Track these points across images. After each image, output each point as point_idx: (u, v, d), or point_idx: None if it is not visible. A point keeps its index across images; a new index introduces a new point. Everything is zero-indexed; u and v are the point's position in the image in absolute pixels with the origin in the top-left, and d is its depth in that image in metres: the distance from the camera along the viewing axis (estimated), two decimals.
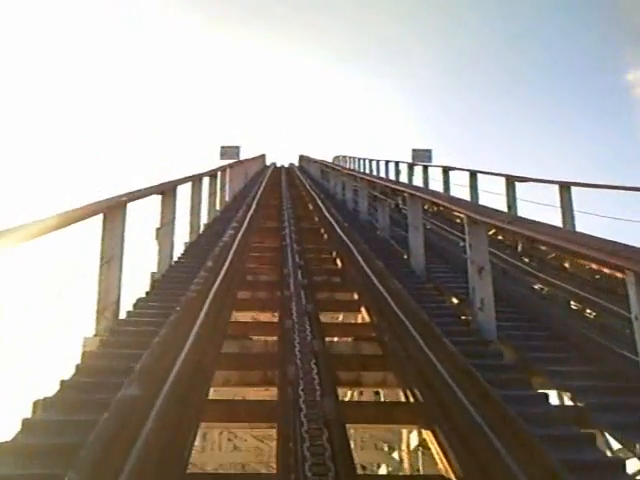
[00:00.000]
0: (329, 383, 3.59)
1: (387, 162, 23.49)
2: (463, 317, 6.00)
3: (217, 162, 20.96)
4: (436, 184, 17.89)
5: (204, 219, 11.56)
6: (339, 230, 10.05)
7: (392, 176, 22.05)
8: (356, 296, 6.62)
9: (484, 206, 6.12)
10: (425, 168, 19.74)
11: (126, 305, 5.80)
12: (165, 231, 7.71)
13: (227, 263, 6.93)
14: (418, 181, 19.39)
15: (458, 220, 14.23)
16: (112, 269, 5.23)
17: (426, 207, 11.79)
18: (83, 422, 3.06)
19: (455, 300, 6.66)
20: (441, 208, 12.74)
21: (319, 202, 14.51)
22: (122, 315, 5.42)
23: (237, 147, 26.51)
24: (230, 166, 16.77)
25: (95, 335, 4.96)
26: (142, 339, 4.49)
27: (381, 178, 17.63)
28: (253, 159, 26.09)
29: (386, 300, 5.76)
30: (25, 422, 3.19)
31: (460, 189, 16.12)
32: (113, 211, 5.32)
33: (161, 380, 3.15)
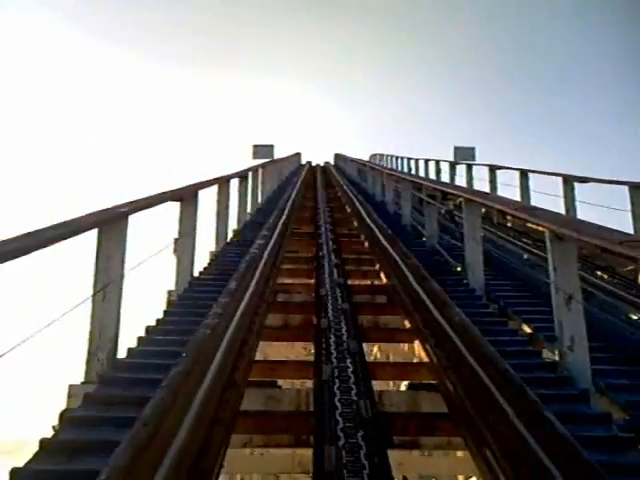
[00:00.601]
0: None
1: (427, 161, 22.28)
2: (541, 353, 4.86)
3: (250, 162, 20.01)
4: (480, 184, 16.70)
5: (233, 225, 10.58)
6: (381, 238, 8.97)
7: (432, 175, 20.85)
8: (407, 323, 5.54)
9: (577, 219, 4.94)
10: (469, 167, 18.48)
11: (134, 334, 4.84)
12: (184, 242, 6.71)
13: (254, 281, 5.92)
14: (461, 181, 18.21)
15: (509, 224, 13.09)
16: (108, 299, 4.19)
17: None
18: None
19: (527, 329, 5.49)
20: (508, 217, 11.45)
21: (357, 205, 13.43)
22: (122, 352, 4.38)
23: (271, 146, 25.48)
24: (262, 166, 15.74)
25: (83, 382, 3.95)
26: (138, 393, 3.49)
27: (428, 179, 16.43)
28: (287, 158, 24.99)
29: (445, 331, 4.67)
30: None
31: (505, 190, 15.07)
32: (109, 225, 4.29)
33: None
